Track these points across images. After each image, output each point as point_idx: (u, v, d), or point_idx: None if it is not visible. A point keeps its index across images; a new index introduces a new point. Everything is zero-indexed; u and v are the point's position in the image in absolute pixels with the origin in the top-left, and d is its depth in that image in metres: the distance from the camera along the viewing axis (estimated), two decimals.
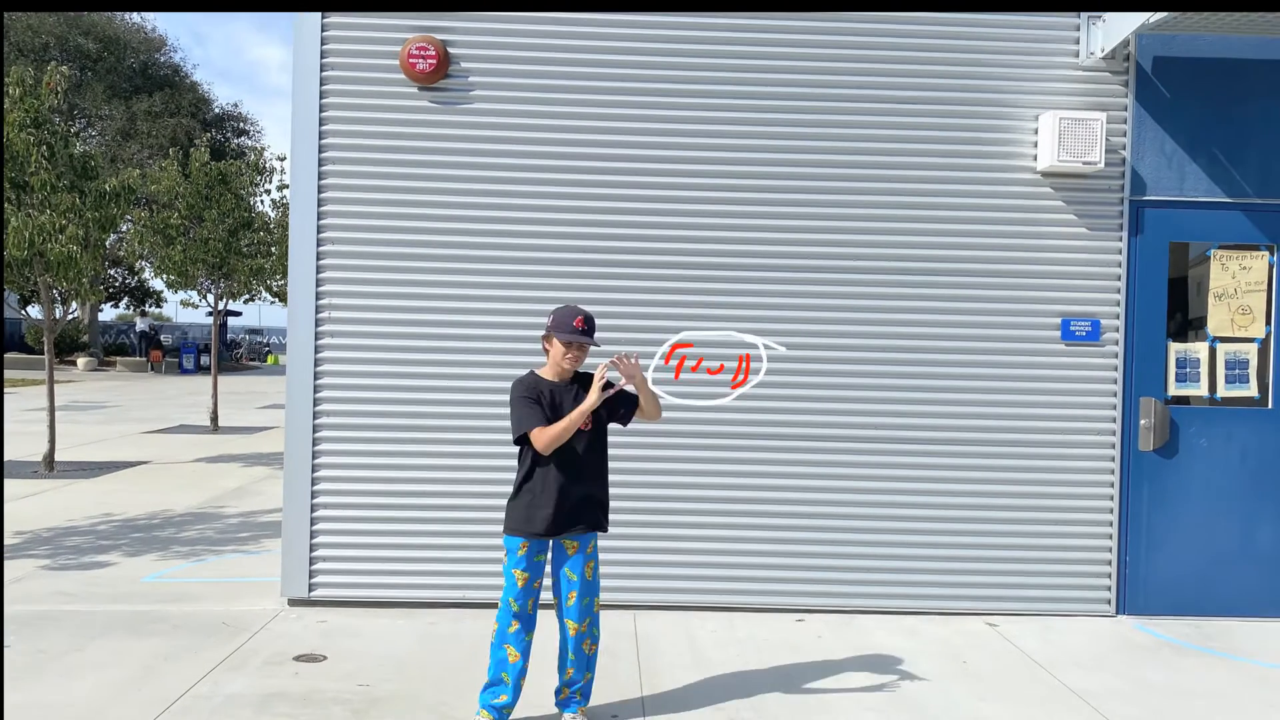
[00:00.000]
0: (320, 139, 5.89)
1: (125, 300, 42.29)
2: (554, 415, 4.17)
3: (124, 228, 20.82)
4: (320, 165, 5.89)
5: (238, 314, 41.74)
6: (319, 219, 5.89)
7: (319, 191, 5.89)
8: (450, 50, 5.90)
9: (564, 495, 4.20)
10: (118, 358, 37.14)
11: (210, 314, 16.61)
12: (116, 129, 33.42)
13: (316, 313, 5.92)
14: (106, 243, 11.85)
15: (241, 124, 38.38)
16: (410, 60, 5.82)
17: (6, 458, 12.17)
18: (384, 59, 5.89)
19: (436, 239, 5.95)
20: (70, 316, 14.66)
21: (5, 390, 24.01)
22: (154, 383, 29.03)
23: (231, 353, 41.75)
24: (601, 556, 5.79)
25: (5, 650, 5.09)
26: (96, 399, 22.14)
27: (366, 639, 5.39)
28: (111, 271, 36.69)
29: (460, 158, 5.94)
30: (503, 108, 5.95)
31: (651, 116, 5.97)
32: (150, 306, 42.71)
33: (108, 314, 47.12)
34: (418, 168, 5.94)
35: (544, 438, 4.11)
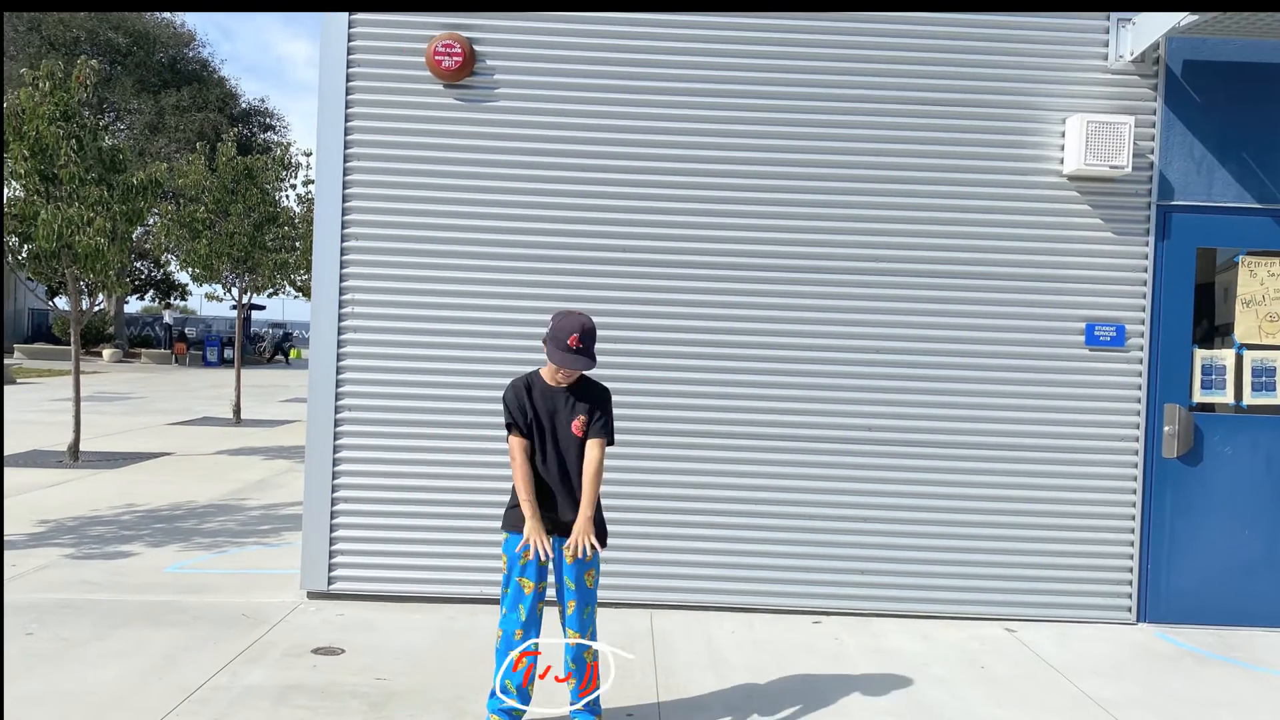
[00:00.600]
0: (346, 135, 5.92)
1: (151, 293, 42.74)
2: (544, 418, 4.15)
3: (150, 221, 21.02)
4: (345, 162, 5.92)
5: (261, 308, 42.05)
6: (343, 214, 5.92)
7: (344, 188, 5.92)
8: (476, 48, 5.91)
9: (560, 499, 4.17)
10: (143, 350, 37.47)
11: (234, 307, 16.74)
12: (145, 123, 33.78)
13: (340, 308, 5.95)
14: (133, 235, 11.97)
15: (268, 119, 38.67)
16: (436, 57, 5.84)
17: (33, 447, 12.31)
18: (410, 56, 5.91)
19: (461, 235, 5.97)
20: (96, 308, 14.77)
21: (32, 380, 24.25)
22: (178, 375, 29.27)
23: (255, 346, 42.03)
24: (620, 555, 5.83)
25: (29, 638, 5.15)
26: (121, 390, 22.34)
27: (384, 633, 5.41)
28: (137, 264, 37.08)
29: (485, 155, 5.96)
30: (528, 105, 5.96)
31: (676, 115, 5.96)
32: (176, 299, 43.14)
33: (133, 306, 47.60)
34: (443, 165, 5.96)
35: (513, 454, 4.16)
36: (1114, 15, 5.95)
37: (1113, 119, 5.78)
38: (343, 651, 5.09)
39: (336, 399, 5.97)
